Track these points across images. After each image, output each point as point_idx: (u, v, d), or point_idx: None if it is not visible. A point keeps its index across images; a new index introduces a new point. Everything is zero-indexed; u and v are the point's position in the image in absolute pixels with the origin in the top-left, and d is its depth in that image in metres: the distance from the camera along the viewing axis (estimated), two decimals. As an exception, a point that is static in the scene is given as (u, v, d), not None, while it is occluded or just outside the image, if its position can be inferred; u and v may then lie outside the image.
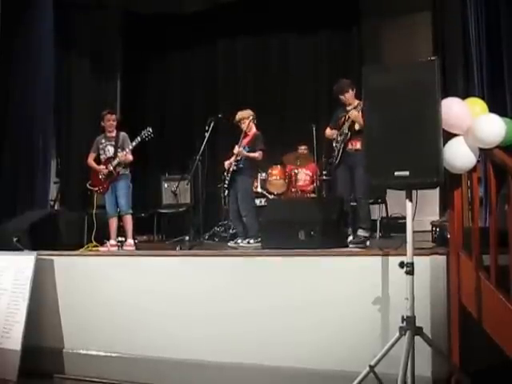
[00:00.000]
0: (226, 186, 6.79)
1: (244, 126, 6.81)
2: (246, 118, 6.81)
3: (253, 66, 9.88)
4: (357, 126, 5.98)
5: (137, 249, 6.94)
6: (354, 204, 6.06)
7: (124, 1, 8.51)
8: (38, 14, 7.78)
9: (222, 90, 9.94)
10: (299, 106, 9.21)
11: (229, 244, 6.69)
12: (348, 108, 6.21)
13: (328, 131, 6.43)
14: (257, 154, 6.67)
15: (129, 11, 8.94)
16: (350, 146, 6.05)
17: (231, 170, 6.71)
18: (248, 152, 6.67)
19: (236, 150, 6.72)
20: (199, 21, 8.99)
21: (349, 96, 6.19)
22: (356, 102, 6.14)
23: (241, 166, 6.67)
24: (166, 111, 10.39)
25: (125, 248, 6.50)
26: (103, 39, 9.41)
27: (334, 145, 6.27)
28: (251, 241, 6.46)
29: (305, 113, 8.95)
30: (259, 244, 6.34)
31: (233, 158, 6.77)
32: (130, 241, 6.61)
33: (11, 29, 7.59)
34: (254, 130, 6.89)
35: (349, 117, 6.06)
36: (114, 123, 6.75)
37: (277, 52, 9.78)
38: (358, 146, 5.99)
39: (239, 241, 6.58)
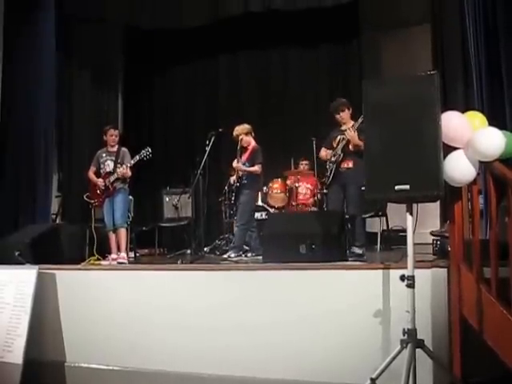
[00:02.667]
0: (232, 201, 6.88)
1: (243, 142, 6.88)
2: (243, 134, 6.88)
3: (254, 81, 9.93)
4: (351, 147, 6.05)
5: (135, 262, 6.98)
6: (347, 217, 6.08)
7: (126, 15, 8.56)
8: (40, 27, 7.88)
9: (224, 104, 9.98)
10: (300, 120, 9.25)
11: (221, 256, 6.76)
12: (342, 128, 6.27)
13: (323, 152, 6.50)
14: (256, 168, 6.75)
15: (131, 25, 8.99)
16: (342, 165, 6.11)
17: (235, 186, 6.80)
18: (248, 167, 6.73)
19: (235, 164, 6.79)
20: (201, 35, 9.04)
21: (344, 115, 6.26)
22: (351, 122, 6.22)
23: (244, 181, 6.76)
24: (168, 125, 10.43)
25: (118, 261, 6.47)
26: (105, 52, 9.47)
27: (327, 165, 6.32)
28: (232, 254, 6.49)
29: (306, 126, 8.99)
30: (240, 258, 6.44)
31: (236, 175, 6.88)
32: (123, 254, 6.60)
33: (13, 42, 7.68)
34: (252, 143, 6.95)
35: (343, 138, 6.12)
36: (116, 139, 6.81)
37: (278, 66, 9.84)
38: (351, 164, 6.10)
39: (232, 255, 6.60)
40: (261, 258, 6.01)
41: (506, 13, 5.37)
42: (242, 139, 6.90)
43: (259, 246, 6.52)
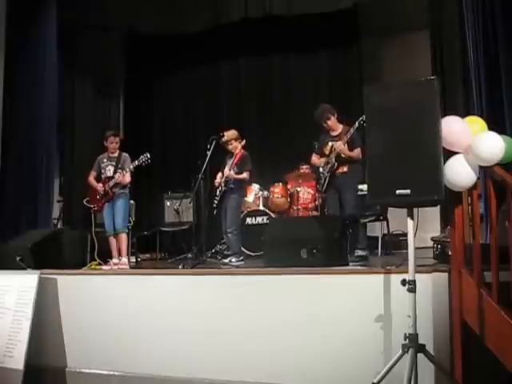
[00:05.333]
0: (215, 205, 6.87)
1: (232, 148, 6.89)
2: (233, 139, 6.88)
3: (254, 86, 9.92)
4: (343, 155, 6.07)
5: (136, 267, 6.99)
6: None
7: (127, 21, 8.57)
8: (41, 33, 7.89)
9: (225, 109, 9.99)
10: (301, 125, 9.25)
11: (222, 261, 6.75)
12: (332, 134, 6.29)
13: (315, 159, 6.51)
14: (245, 175, 6.78)
15: (132, 31, 9.01)
16: (337, 171, 6.13)
17: (222, 190, 6.79)
18: (236, 172, 6.75)
19: (226, 172, 6.79)
20: (202, 41, 9.05)
21: (331, 123, 6.29)
22: (340, 127, 6.25)
23: (231, 186, 6.76)
24: (169, 130, 10.42)
25: (119, 267, 6.48)
26: (106, 58, 9.46)
27: (320, 171, 6.33)
28: (233, 259, 6.50)
29: (306, 131, 8.98)
30: (242, 262, 6.47)
31: (218, 179, 6.88)
32: (124, 259, 6.61)
33: (15, 48, 7.71)
34: (241, 150, 6.95)
35: (334, 148, 6.13)
36: (117, 145, 6.82)
37: (278, 71, 9.84)
38: (346, 169, 6.12)
39: (233, 259, 6.60)
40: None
41: (505, 18, 5.38)
42: (232, 145, 6.90)
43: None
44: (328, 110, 6.32)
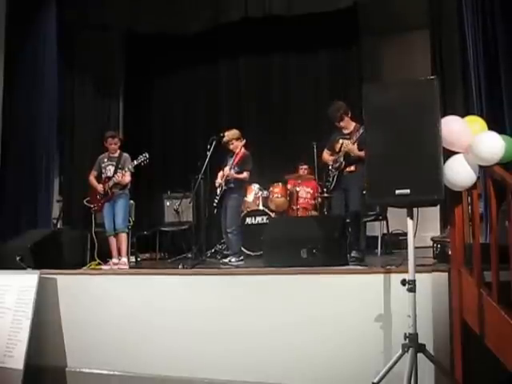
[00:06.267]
0: (215, 204, 6.88)
1: (233, 147, 6.90)
2: (234, 139, 6.89)
3: (254, 85, 9.91)
4: (353, 155, 6.08)
5: (135, 267, 6.99)
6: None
7: (126, 21, 8.56)
8: (41, 33, 7.90)
9: (224, 109, 9.99)
10: (300, 124, 9.26)
11: (221, 261, 6.76)
12: (344, 131, 6.29)
13: (326, 156, 6.52)
14: (245, 175, 6.79)
15: (131, 30, 9.00)
16: (345, 170, 6.14)
17: (222, 189, 6.80)
18: (237, 172, 6.77)
19: (226, 171, 6.80)
20: (201, 41, 9.04)
21: (344, 123, 6.27)
22: (352, 125, 6.24)
23: (231, 185, 6.77)
24: (169, 129, 10.41)
25: (119, 266, 6.49)
26: (106, 58, 9.45)
27: (329, 169, 6.34)
28: (233, 259, 6.51)
29: (306, 131, 8.99)
30: (241, 262, 6.49)
31: (219, 179, 6.90)
32: (124, 259, 6.63)
33: (15, 49, 7.72)
34: (242, 149, 6.96)
35: (344, 146, 6.14)
36: (117, 146, 6.83)
37: (278, 71, 9.84)
38: (353, 168, 6.12)
39: (233, 259, 6.60)
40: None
41: (504, 17, 5.38)
42: (233, 145, 6.91)
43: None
44: (343, 109, 6.31)
